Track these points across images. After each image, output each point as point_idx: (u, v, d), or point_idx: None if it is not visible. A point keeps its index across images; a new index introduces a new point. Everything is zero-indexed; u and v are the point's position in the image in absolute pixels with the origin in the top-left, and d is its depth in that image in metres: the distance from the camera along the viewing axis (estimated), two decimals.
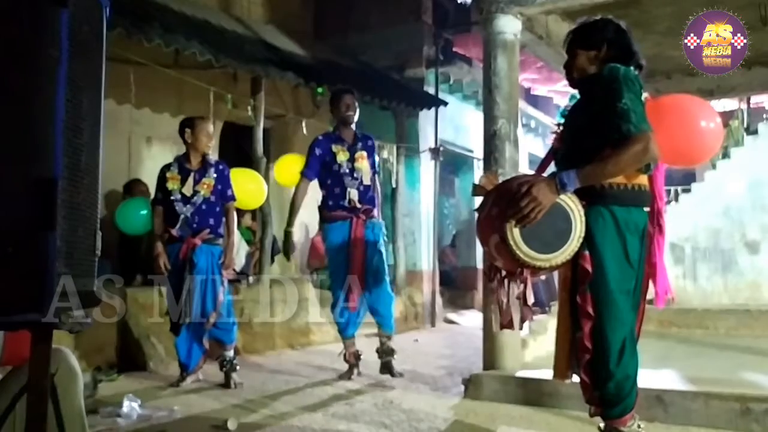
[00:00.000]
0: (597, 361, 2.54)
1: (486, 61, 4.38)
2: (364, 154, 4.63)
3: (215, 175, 4.53)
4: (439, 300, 9.02)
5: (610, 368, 2.53)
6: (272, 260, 7.12)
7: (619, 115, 2.41)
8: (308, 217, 8.90)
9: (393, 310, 4.72)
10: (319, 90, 7.66)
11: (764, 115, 8.35)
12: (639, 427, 2.61)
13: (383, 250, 4.67)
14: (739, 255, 6.57)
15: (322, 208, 4.68)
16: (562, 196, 2.44)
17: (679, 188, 8.04)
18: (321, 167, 4.60)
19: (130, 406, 3.58)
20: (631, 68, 2.57)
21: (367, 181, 4.61)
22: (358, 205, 4.55)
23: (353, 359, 4.65)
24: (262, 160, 6.47)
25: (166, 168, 4.59)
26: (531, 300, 2.65)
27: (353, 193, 4.53)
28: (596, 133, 2.49)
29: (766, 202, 6.54)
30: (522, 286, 2.64)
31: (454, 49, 9.24)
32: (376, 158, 4.84)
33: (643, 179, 2.58)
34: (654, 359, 4.77)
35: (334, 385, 4.49)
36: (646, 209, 2.63)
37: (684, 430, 3.31)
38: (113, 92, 6.12)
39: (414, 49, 9.15)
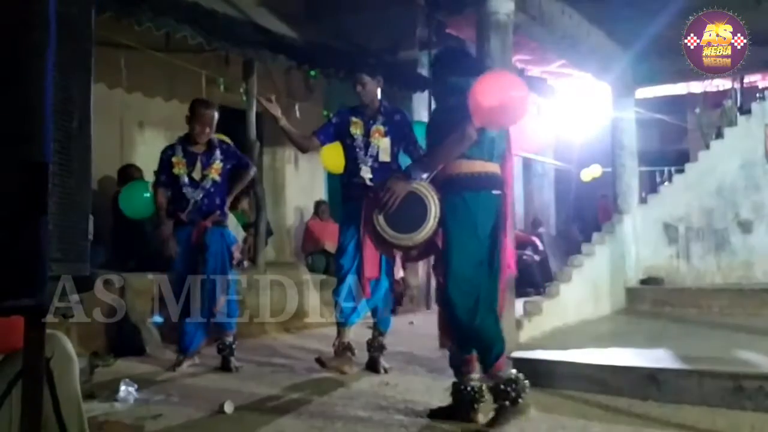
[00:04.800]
0: (451, 322, 3.04)
1: (479, 42, 4.36)
2: (382, 129, 4.32)
3: (221, 156, 4.51)
4: (433, 282, 9.03)
5: (461, 327, 3.00)
6: (265, 243, 7.11)
7: (448, 112, 3.05)
8: (303, 201, 8.91)
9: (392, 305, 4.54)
10: (312, 73, 7.61)
11: (757, 95, 8.32)
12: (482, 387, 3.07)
13: None
14: (732, 234, 6.59)
15: (341, 185, 4.50)
16: (417, 186, 2.96)
17: (673, 168, 8.04)
18: (336, 137, 4.39)
19: (127, 390, 3.58)
20: (469, 77, 3.08)
21: (384, 158, 4.30)
22: (370, 183, 4.24)
23: (341, 349, 4.36)
24: (255, 144, 6.44)
25: (170, 151, 4.52)
26: (398, 275, 3.28)
27: (365, 170, 4.26)
28: (442, 129, 3.05)
29: (759, 182, 6.55)
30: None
31: (448, 31, 9.16)
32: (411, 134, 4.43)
33: (490, 167, 3.05)
34: (648, 338, 4.81)
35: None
36: (496, 192, 3.07)
37: (677, 408, 3.34)
38: (104, 77, 6.07)
39: (407, 31, 9.08)
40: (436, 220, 2.95)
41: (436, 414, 3.19)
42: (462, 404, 3.11)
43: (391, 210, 2.94)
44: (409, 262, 3.26)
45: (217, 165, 4.48)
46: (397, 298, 3.29)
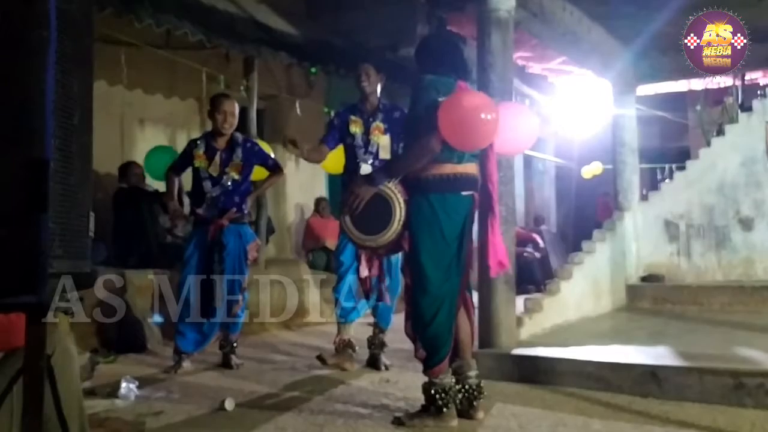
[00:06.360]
0: (414, 322, 3.05)
1: (480, 39, 4.35)
2: (382, 126, 4.32)
3: (242, 155, 4.48)
4: None
5: (422, 327, 3.01)
6: (267, 241, 7.12)
7: (416, 118, 2.99)
8: (303, 199, 8.90)
9: (395, 303, 4.47)
10: (312, 70, 7.61)
11: (758, 92, 8.31)
12: (455, 383, 3.05)
13: None
14: (732, 232, 6.59)
15: (342, 183, 4.50)
16: (384, 187, 2.96)
17: (674, 165, 8.02)
18: (341, 139, 4.39)
19: (128, 387, 3.59)
20: (442, 76, 3.03)
21: (385, 155, 4.28)
22: None
23: (342, 347, 4.38)
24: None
25: (194, 144, 4.54)
26: (363, 273, 3.35)
27: (365, 169, 4.21)
28: (411, 133, 3.06)
29: (760, 179, 6.55)
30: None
31: (448, 28, 9.15)
32: None
33: (460, 168, 3.00)
34: (648, 335, 4.81)
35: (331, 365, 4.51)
36: (466, 193, 3.04)
37: (678, 406, 3.34)
38: (104, 74, 6.07)
39: (407, 28, 9.06)
40: (401, 223, 2.96)
41: (412, 416, 3.10)
42: (432, 404, 3.05)
43: (357, 212, 2.98)
44: (377, 259, 3.34)
45: (237, 164, 4.45)
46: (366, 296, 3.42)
